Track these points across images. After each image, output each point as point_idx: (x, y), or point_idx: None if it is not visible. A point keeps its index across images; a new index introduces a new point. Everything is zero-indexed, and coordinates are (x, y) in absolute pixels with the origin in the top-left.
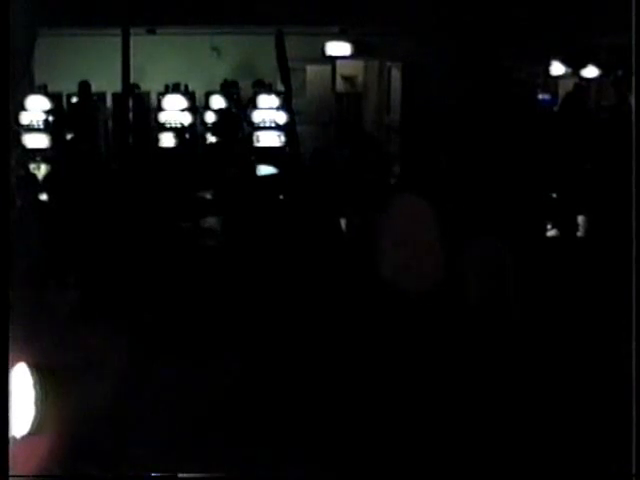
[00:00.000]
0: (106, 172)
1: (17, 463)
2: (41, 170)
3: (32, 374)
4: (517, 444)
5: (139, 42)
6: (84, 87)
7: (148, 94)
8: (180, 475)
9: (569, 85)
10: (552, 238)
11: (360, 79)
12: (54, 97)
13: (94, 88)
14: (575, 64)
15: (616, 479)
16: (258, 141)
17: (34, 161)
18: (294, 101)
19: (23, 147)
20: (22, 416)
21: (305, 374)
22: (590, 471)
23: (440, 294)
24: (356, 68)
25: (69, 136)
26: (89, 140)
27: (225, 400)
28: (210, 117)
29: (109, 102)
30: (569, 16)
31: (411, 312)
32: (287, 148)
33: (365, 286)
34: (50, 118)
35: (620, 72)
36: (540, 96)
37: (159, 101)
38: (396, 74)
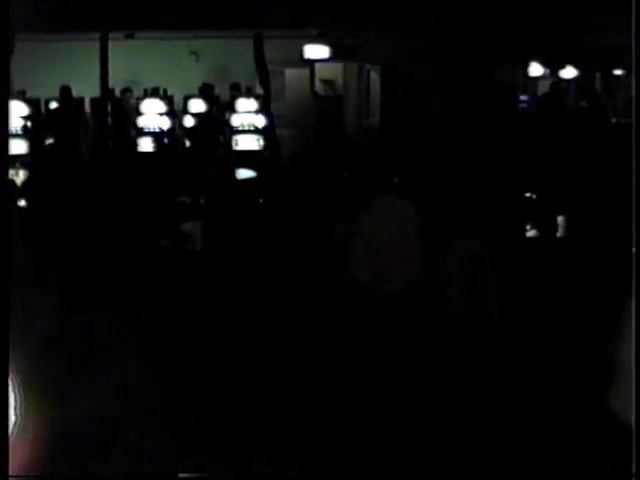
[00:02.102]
0: (85, 177)
1: None
2: (20, 176)
3: (12, 380)
4: (517, 445)
5: (117, 47)
6: (65, 92)
7: (127, 99)
8: (180, 475)
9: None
10: (539, 238)
11: (339, 82)
12: (32, 102)
13: (73, 93)
14: (554, 65)
15: (616, 479)
16: (237, 145)
17: (13, 167)
18: (273, 104)
19: None
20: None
21: (284, 376)
22: (590, 471)
23: (426, 294)
24: (335, 71)
25: (48, 141)
26: (68, 145)
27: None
28: (189, 121)
29: (87, 107)
30: (552, 17)
31: (397, 312)
32: (267, 152)
33: (347, 287)
34: (29, 124)
35: (598, 73)
36: (521, 97)
37: (137, 105)
38: (375, 76)
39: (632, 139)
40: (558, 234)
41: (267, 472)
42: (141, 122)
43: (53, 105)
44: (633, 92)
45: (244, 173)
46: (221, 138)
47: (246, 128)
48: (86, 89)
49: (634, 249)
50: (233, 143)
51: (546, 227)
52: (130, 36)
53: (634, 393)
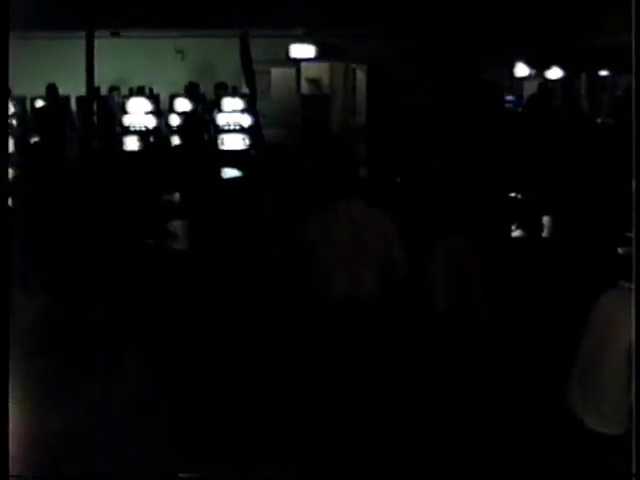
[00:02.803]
0: (71, 176)
1: None
2: None
3: None
4: (517, 445)
5: (103, 45)
6: (51, 90)
7: (112, 97)
8: (180, 475)
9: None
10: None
11: (325, 81)
12: (18, 100)
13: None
14: (541, 65)
15: (616, 479)
16: (223, 144)
17: None
18: (259, 104)
19: None
20: None
21: (273, 377)
22: (590, 471)
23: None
24: (321, 70)
25: (34, 140)
26: (54, 144)
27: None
28: (174, 120)
29: (73, 105)
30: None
31: (386, 313)
32: (252, 151)
33: (332, 288)
34: (14, 122)
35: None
36: (508, 97)
37: (123, 104)
38: (361, 76)
39: (632, 140)
40: (548, 234)
41: (266, 472)
42: (127, 121)
43: (39, 103)
44: (633, 92)
45: (230, 172)
46: (206, 137)
47: (232, 127)
48: (72, 87)
49: (634, 247)
50: (219, 142)
51: (536, 227)
52: (116, 34)
53: (634, 393)
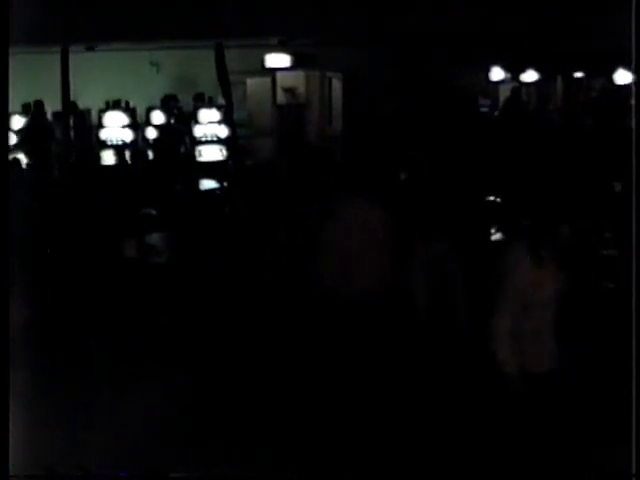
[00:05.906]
0: (48, 190)
1: None
2: None
3: None
4: (517, 445)
5: (78, 59)
6: (38, 107)
7: (88, 111)
8: (173, 475)
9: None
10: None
11: (301, 90)
12: None
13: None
14: (515, 69)
15: (616, 479)
16: (200, 156)
17: None
18: (235, 114)
19: None
20: None
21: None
22: (590, 471)
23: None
24: (296, 79)
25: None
26: (43, 159)
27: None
28: (151, 133)
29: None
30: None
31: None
32: (230, 161)
33: (313, 294)
34: None
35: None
36: (482, 101)
37: (100, 118)
38: (337, 84)
39: (632, 140)
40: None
41: (266, 472)
42: (104, 135)
43: (15, 119)
44: (633, 92)
45: (208, 184)
46: (182, 149)
47: (209, 139)
48: (47, 102)
49: (634, 247)
50: (196, 154)
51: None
52: (91, 49)
53: (634, 392)
